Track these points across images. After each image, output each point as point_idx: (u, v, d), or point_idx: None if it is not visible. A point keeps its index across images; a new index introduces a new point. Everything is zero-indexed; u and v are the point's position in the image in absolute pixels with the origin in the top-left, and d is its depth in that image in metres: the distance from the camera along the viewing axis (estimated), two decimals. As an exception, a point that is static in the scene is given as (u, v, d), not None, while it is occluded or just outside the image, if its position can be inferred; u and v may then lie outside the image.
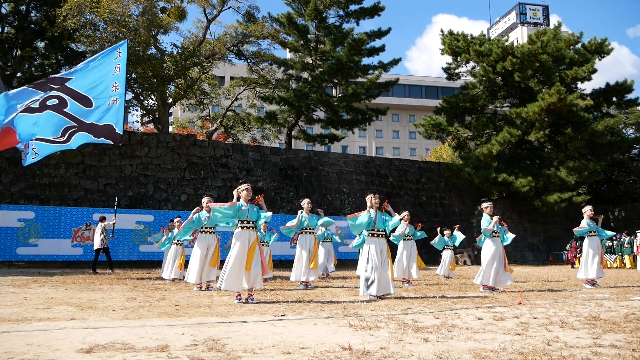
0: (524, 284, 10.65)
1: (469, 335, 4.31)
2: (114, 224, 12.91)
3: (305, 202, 9.46)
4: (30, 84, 7.70)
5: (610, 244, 21.13)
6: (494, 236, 8.93)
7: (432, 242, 12.77)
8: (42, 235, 15.51)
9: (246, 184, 6.93)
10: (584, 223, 10.10)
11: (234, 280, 6.48)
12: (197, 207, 8.96)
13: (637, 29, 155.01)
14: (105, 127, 7.46)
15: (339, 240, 14.10)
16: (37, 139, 7.26)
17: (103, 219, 13.67)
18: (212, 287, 8.74)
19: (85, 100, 7.40)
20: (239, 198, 6.86)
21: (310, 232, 9.53)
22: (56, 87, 7.36)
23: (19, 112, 7.12)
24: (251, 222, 6.74)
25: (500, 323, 4.97)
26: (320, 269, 11.98)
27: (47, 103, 7.22)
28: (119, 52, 7.75)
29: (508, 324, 4.93)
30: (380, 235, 7.38)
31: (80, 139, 7.42)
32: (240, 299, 6.64)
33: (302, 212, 9.33)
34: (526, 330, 4.54)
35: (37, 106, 7.24)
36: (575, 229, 10.30)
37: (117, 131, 7.46)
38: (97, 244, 13.52)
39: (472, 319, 5.26)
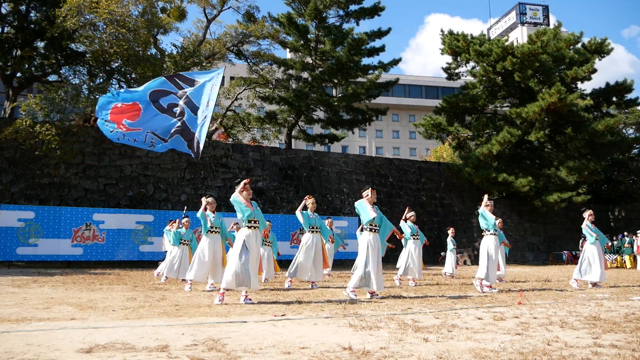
0: (524, 284, 10.65)
1: (469, 335, 4.31)
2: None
3: (310, 202, 9.46)
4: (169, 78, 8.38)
5: (610, 243, 21.11)
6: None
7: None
8: (42, 235, 15.51)
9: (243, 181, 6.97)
10: (585, 226, 10.02)
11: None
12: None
13: (631, 30, 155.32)
14: (195, 139, 7.96)
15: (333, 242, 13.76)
16: (153, 133, 7.97)
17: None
18: (215, 287, 8.75)
19: (196, 111, 8.06)
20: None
21: (316, 232, 9.50)
22: (184, 90, 8.05)
23: (153, 106, 8.00)
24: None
25: (500, 323, 4.97)
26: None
27: (173, 110, 8.00)
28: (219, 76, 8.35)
29: (508, 324, 4.93)
30: (377, 230, 7.64)
31: (172, 143, 7.97)
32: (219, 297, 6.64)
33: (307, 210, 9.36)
34: (526, 330, 4.54)
35: (165, 107, 8.05)
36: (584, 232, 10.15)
37: (200, 147, 7.92)
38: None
39: (472, 319, 5.26)
